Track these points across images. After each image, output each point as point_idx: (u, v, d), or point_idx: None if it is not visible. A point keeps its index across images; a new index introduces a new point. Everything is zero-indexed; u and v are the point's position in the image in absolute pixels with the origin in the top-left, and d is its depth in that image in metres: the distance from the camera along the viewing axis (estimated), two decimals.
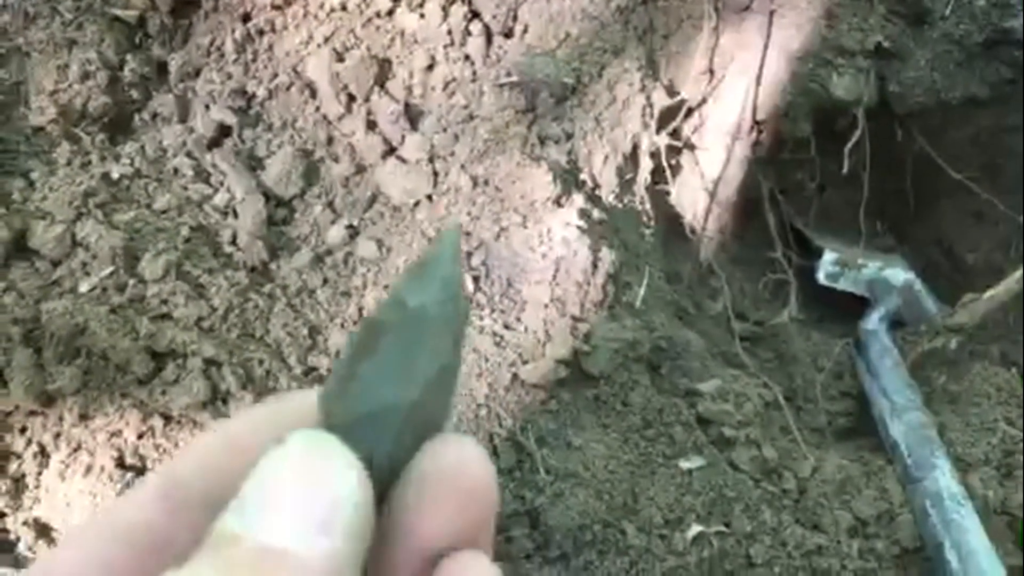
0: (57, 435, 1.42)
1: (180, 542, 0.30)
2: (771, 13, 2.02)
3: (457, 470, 0.30)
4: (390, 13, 1.85)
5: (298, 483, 0.27)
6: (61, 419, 1.42)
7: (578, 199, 1.78)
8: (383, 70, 1.83)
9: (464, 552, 0.29)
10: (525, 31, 1.90)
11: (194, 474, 0.30)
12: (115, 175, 1.61)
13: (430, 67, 1.84)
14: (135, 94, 1.74)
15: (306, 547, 0.26)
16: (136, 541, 0.30)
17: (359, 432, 0.30)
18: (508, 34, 1.90)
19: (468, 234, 1.75)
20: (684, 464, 1.59)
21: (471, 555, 0.29)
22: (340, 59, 1.81)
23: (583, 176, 1.87)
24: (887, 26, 2.05)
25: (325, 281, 1.67)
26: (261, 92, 1.80)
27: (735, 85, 2.09)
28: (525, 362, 1.61)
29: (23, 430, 1.43)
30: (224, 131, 1.77)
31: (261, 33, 1.82)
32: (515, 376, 1.59)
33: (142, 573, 0.29)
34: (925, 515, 1.54)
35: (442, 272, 0.33)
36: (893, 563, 1.54)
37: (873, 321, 2.03)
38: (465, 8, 1.86)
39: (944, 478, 1.58)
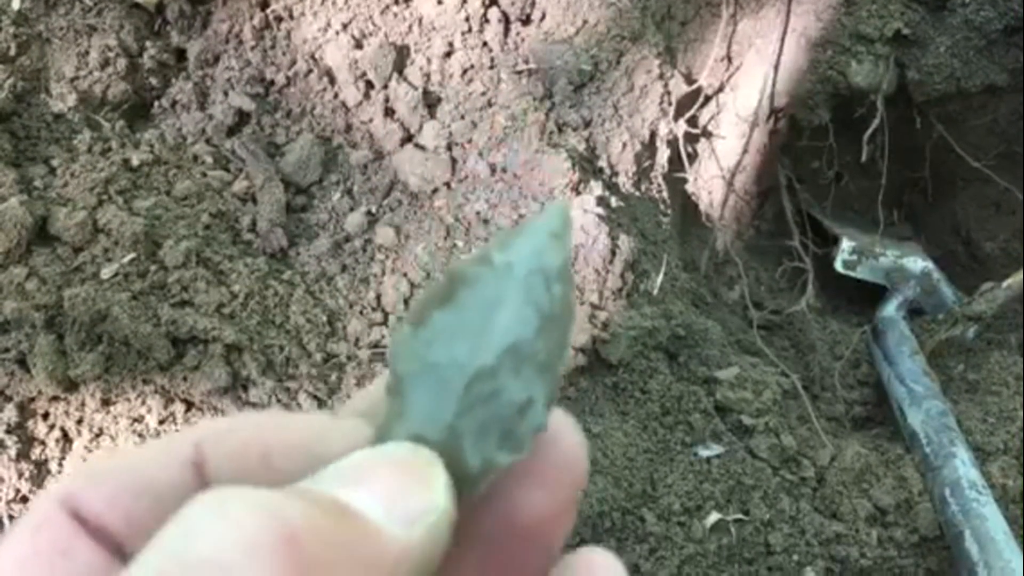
0: (79, 420, 1.43)
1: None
2: None
3: (548, 443, 0.29)
4: (408, 0, 1.85)
5: (398, 473, 0.27)
6: (83, 405, 1.43)
7: (596, 186, 1.78)
8: (401, 57, 1.82)
9: (592, 550, 0.29)
10: (543, 18, 1.89)
11: (224, 461, 0.29)
12: (135, 162, 1.61)
13: (448, 54, 1.84)
14: (154, 81, 1.75)
15: (382, 524, 0.26)
16: (160, 499, 0.29)
17: (422, 385, 0.30)
18: (526, 21, 1.89)
19: (486, 222, 1.75)
20: (703, 452, 1.59)
21: (600, 554, 0.29)
22: (358, 46, 1.81)
23: (601, 163, 1.86)
24: (907, 13, 2.03)
25: (344, 268, 1.68)
26: (280, 79, 1.81)
27: (753, 72, 2.08)
28: None
29: (46, 416, 1.44)
30: (243, 118, 1.77)
31: (279, 20, 1.82)
32: None
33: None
34: (944, 503, 1.54)
35: (537, 241, 0.31)
36: (912, 551, 1.54)
37: (891, 309, 2.03)
38: None
39: (963, 467, 1.58)
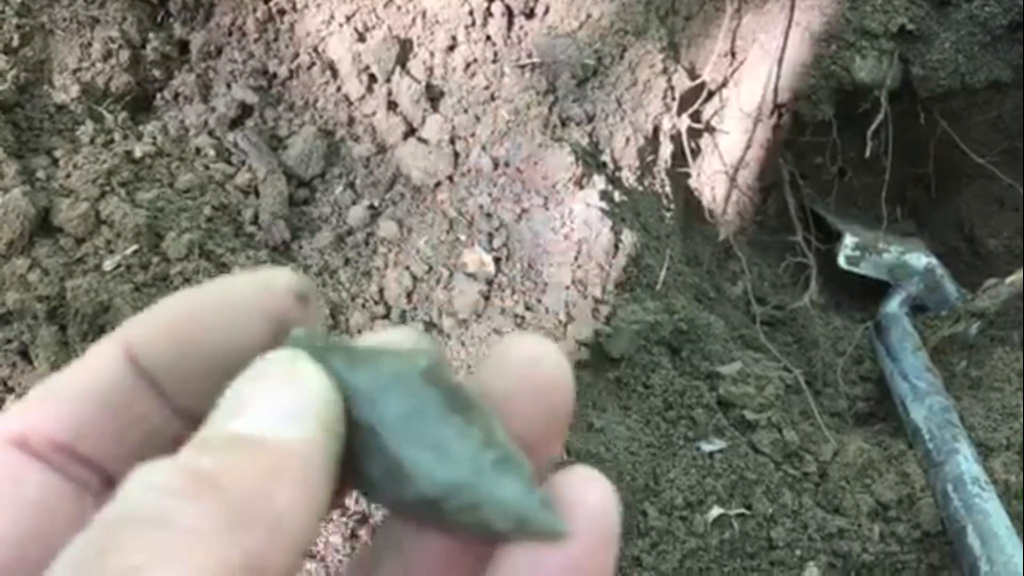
0: None
1: (141, 406, 0.30)
2: None
3: (531, 365, 0.29)
4: None
5: (270, 383, 0.28)
6: None
7: (599, 181, 1.77)
8: (404, 50, 1.82)
9: (577, 468, 0.29)
10: (546, 12, 1.89)
11: (153, 341, 0.30)
12: (138, 154, 1.61)
13: (451, 48, 1.84)
14: (157, 73, 1.74)
15: (279, 434, 0.26)
16: (102, 401, 0.30)
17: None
18: (529, 15, 1.89)
19: (489, 216, 1.75)
20: (705, 446, 1.59)
21: (585, 471, 0.29)
22: (361, 39, 1.81)
23: (604, 158, 1.86)
24: (911, 8, 2.03)
25: (347, 261, 1.67)
26: (282, 72, 1.80)
27: (757, 67, 2.08)
28: None
29: None
30: (246, 110, 1.77)
31: (282, 12, 1.81)
32: None
33: (109, 433, 0.30)
34: (947, 499, 1.54)
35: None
36: (914, 547, 1.54)
37: (894, 305, 2.02)
38: None
39: (966, 462, 1.57)
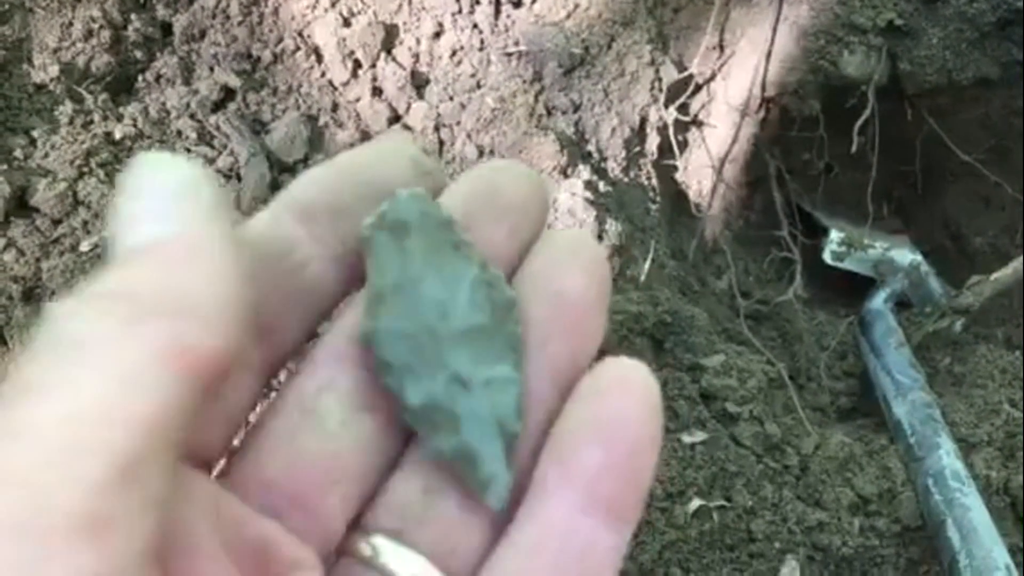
0: None
1: (304, 250, 0.32)
2: None
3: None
4: None
5: (145, 189, 0.28)
6: None
7: (584, 170, 1.76)
8: (390, 36, 1.81)
9: (615, 361, 0.31)
10: (534, 1, 1.88)
11: (312, 190, 0.32)
12: (117, 135, 1.59)
13: (437, 35, 1.83)
14: (139, 54, 1.72)
15: (168, 233, 0.27)
16: (263, 250, 0.31)
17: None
18: (517, 3, 1.88)
19: None
20: (686, 438, 1.58)
21: (624, 366, 0.31)
22: (347, 24, 1.79)
23: (590, 147, 1.85)
24: (900, 3, 2.02)
25: None
26: (266, 56, 1.79)
27: (745, 61, 2.07)
28: None
29: None
30: (228, 94, 1.75)
31: None
32: None
33: (270, 279, 0.31)
34: (927, 493, 1.53)
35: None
36: (894, 540, 1.54)
37: (878, 301, 2.02)
38: None
39: (947, 457, 1.57)
